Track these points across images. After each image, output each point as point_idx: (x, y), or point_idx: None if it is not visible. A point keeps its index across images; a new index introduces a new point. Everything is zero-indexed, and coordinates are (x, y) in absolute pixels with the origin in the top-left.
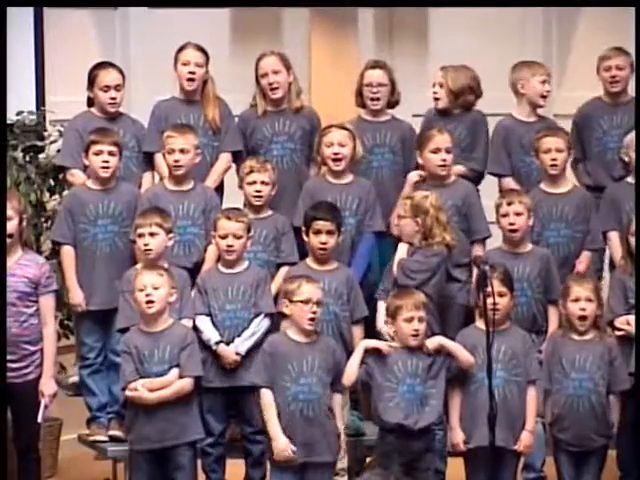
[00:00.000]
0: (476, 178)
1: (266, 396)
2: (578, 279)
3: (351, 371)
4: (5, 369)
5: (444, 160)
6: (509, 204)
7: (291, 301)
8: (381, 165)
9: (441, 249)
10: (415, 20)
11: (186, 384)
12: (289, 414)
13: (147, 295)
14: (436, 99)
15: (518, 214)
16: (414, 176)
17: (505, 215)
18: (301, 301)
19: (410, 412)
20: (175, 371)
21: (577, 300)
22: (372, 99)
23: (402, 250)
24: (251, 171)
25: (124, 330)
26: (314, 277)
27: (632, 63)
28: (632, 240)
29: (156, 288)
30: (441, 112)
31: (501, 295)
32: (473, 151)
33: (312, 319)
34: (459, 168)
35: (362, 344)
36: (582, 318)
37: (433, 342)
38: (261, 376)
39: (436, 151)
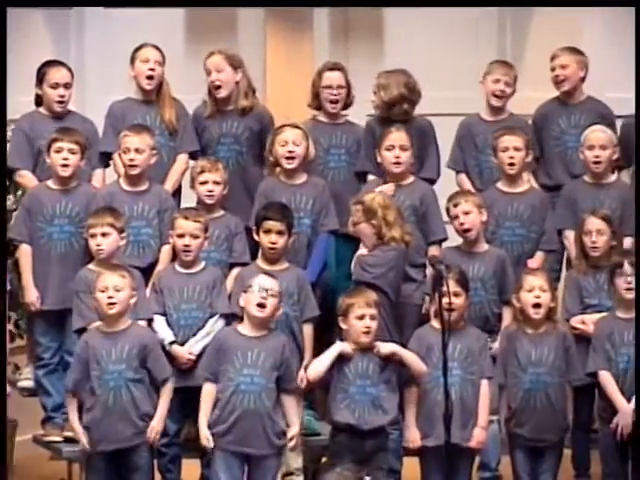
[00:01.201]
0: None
1: (206, 388)
2: (531, 271)
3: (319, 369)
4: (5, 370)
5: (397, 157)
6: (455, 205)
7: (245, 292)
8: (337, 166)
9: (398, 245)
10: (370, 20)
11: (169, 387)
12: (231, 404)
13: (109, 297)
14: (375, 107)
15: (467, 213)
16: (375, 180)
17: (455, 217)
18: (252, 290)
19: (361, 413)
20: None
21: (531, 290)
22: (331, 101)
23: (363, 250)
24: (203, 171)
25: (81, 330)
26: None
27: (581, 61)
28: (586, 239)
29: (118, 290)
30: (382, 119)
31: (456, 295)
32: (424, 159)
33: (260, 305)
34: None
35: (339, 347)
36: (536, 306)
37: (386, 347)
38: (205, 369)
39: (390, 148)
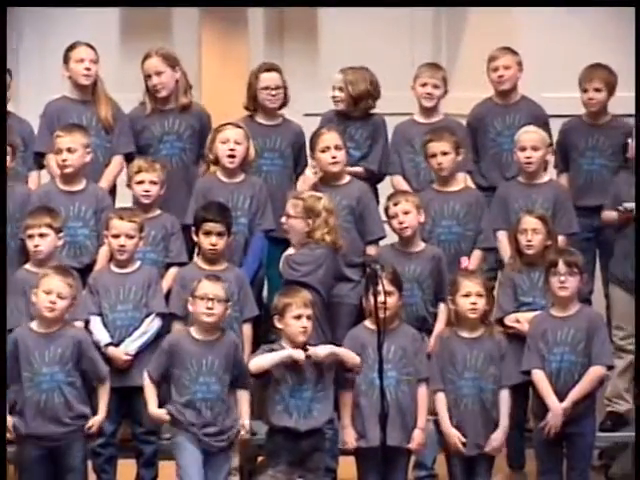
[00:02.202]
0: (373, 179)
1: (147, 385)
2: (467, 275)
3: (263, 365)
4: (5, 371)
5: (334, 157)
6: (395, 204)
7: (193, 297)
8: (270, 170)
9: (328, 246)
10: (305, 20)
11: (107, 386)
12: (189, 413)
13: (51, 302)
14: (336, 102)
15: (406, 212)
16: (311, 177)
17: (394, 216)
18: (199, 297)
19: (297, 416)
20: None
21: (468, 295)
22: (270, 102)
23: (289, 250)
24: (139, 170)
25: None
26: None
27: (520, 62)
28: (521, 238)
29: (62, 297)
30: (341, 115)
31: (389, 294)
32: (370, 152)
33: (208, 314)
34: (355, 169)
35: (291, 352)
36: (473, 312)
37: (322, 351)
38: (153, 370)
39: (325, 149)
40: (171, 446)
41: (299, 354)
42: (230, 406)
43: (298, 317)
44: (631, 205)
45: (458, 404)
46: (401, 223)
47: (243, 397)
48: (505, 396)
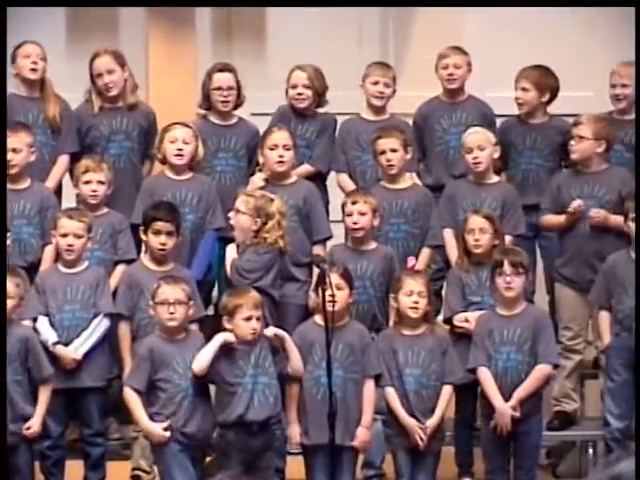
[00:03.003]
0: (320, 177)
1: (131, 395)
2: (411, 274)
3: (203, 361)
4: (5, 370)
5: (281, 157)
6: (354, 203)
7: (153, 303)
8: (224, 170)
9: (273, 247)
10: (253, 19)
11: (48, 387)
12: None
13: None
14: (301, 100)
15: (362, 213)
16: (259, 180)
17: (350, 214)
18: (159, 303)
19: (251, 404)
20: None
21: (410, 294)
22: (223, 102)
23: (232, 251)
24: (87, 170)
25: None
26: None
27: (469, 61)
28: (468, 237)
29: (9, 296)
30: (295, 112)
31: (339, 288)
32: (316, 151)
33: (170, 319)
34: (305, 167)
35: (221, 337)
36: (414, 311)
37: (271, 330)
38: (136, 380)
39: (274, 147)
40: (156, 455)
41: (230, 336)
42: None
43: (248, 319)
44: (578, 202)
45: (404, 400)
46: (355, 223)
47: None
48: (446, 392)
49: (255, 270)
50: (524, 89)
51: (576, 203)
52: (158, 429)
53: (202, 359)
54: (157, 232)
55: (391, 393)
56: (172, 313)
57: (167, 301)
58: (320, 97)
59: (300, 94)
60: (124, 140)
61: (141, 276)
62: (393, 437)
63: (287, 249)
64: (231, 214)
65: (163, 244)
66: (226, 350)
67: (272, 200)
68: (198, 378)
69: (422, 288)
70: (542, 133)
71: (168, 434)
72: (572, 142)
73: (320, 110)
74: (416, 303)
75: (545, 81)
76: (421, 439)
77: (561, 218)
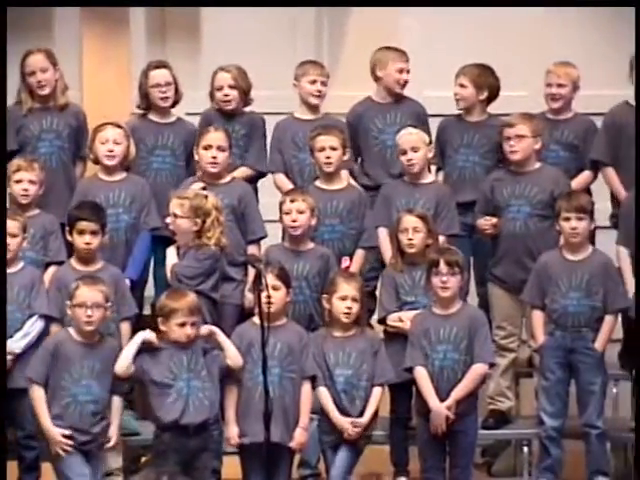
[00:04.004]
0: (253, 178)
1: (37, 393)
2: (346, 277)
3: (125, 362)
4: (5, 369)
5: (214, 157)
6: (292, 201)
7: (71, 304)
8: (161, 167)
9: (214, 250)
10: (187, 19)
11: None
12: (70, 415)
13: None
14: (228, 101)
15: (301, 212)
16: (195, 182)
17: (288, 212)
18: (77, 305)
19: (186, 408)
20: None
21: (344, 299)
22: (162, 98)
23: (172, 255)
24: (18, 169)
25: None
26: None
27: (408, 61)
28: (402, 237)
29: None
30: (222, 113)
31: (275, 289)
32: (249, 151)
33: (87, 322)
34: (244, 170)
35: (139, 336)
36: (347, 316)
37: (205, 329)
38: (35, 372)
39: (207, 148)
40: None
41: (149, 334)
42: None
43: (182, 324)
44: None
45: (333, 400)
46: (294, 221)
47: (117, 404)
48: (376, 393)
49: (196, 277)
50: (462, 85)
51: (490, 221)
52: (58, 436)
53: (123, 359)
54: (81, 232)
55: (323, 392)
56: (89, 316)
57: (85, 304)
58: (246, 96)
59: (226, 95)
60: (54, 139)
61: (69, 277)
62: (324, 436)
63: (225, 245)
64: (168, 219)
65: (88, 243)
66: (152, 349)
67: (206, 197)
68: (123, 379)
69: (356, 293)
70: (480, 131)
71: (66, 441)
72: (512, 143)
73: (247, 109)
74: (349, 308)
75: (483, 79)
76: (353, 433)
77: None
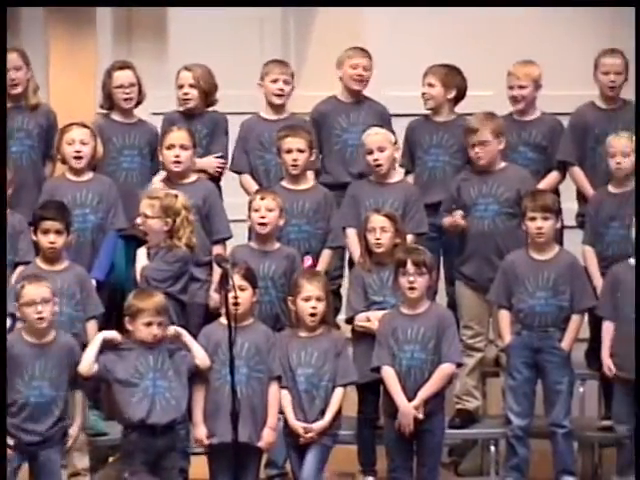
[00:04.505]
0: (217, 177)
1: None
2: (310, 278)
3: (87, 361)
4: (5, 369)
5: (177, 157)
6: (262, 199)
7: (19, 305)
8: (131, 167)
9: (183, 252)
10: (153, 20)
11: None
12: (22, 418)
13: None
14: (187, 100)
15: (270, 210)
16: (158, 181)
17: (257, 210)
18: (26, 304)
19: (152, 407)
20: None
21: (308, 299)
22: (126, 99)
23: (142, 257)
24: None
25: None
26: (44, 277)
27: (372, 66)
28: (369, 236)
29: None
30: (187, 112)
31: (242, 289)
32: (211, 151)
33: (40, 319)
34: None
35: (100, 335)
36: (313, 315)
37: (171, 330)
38: None
39: (170, 147)
40: None
41: (112, 334)
42: (64, 410)
43: (149, 324)
44: (459, 214)
45: (296, 400)
46: (262, 218)
47: (77, 401)
48: (337, 394)
49: (165, 280)
50: (430, 85)
51: (457, 214)
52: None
53: (85, 359)
54: (46, 231)
55: (284, 395)
56: (40, 312)
57: (34, 301)
58: (208, 97)
59: (186, 94)
60: (25, 138)
61: None
62: (288, 437)
63: (194, 245)
64: (139, 220)
65: (52, 243)
66: (117, 349)
67: (176, 196)
68: (86, 379)
69: (320, 292)
70: (449, 131)
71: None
72: (476, 150)
73: (209, 109)
74: (314, 308)
75: (451, 78)
76: (306, 437)
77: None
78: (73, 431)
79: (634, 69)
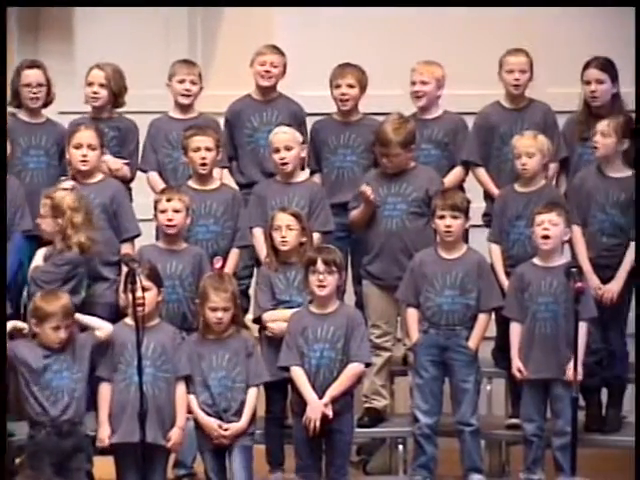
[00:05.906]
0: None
1: None
2: (216, 286)
3: None
4: (5, 370)
5: (85, 156)
6: (169, 200)
7: None
8: (37, 167)
9: (73, 255)
10: (60, 20)
11: None
12: None
13: None
14: (96, 99)
15: (176, 210)
16: (66, 182)
17: (164, 211)
18: None
19: (58, 402)
20: None
21: (215, 310)
22: (32, 99)
23: (39, 257)
24: None
25: None
26: None
27: (285, 63)
28: (275, 235)
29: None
30: (95, 115)
31: (146, 289)
32: (124, 152)
33: None
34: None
35: (11, 323)
36: (218, 325)
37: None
38: None
39: (78, 146)
40: None
41: (17, 323)
42: None
43: (56, 328)
44: (364, 188)
45: (209, 403)
46: (170, 220)
47: None
48: (252, 394)
49: (52, 282)
50: (351, 86)
51: (363, 187)
52: None
53: None
54: None
55: (192, 399)
56: None
57: None
58: (117, 98)
59: (95, 93)
60: None
61: None
62: (201, 438)
63: (88, 247)
64: (38, 220)
65: None
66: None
67: (64, 197)
68: None
69: (226, 303)
70: (355, 131)
71: None
72: (384, 161)
73: (118, 110)
74: (220, 319)
75: (364, 78)
76: (223, 438)
77: (360, 208)
78: None
79: (634, 69)
